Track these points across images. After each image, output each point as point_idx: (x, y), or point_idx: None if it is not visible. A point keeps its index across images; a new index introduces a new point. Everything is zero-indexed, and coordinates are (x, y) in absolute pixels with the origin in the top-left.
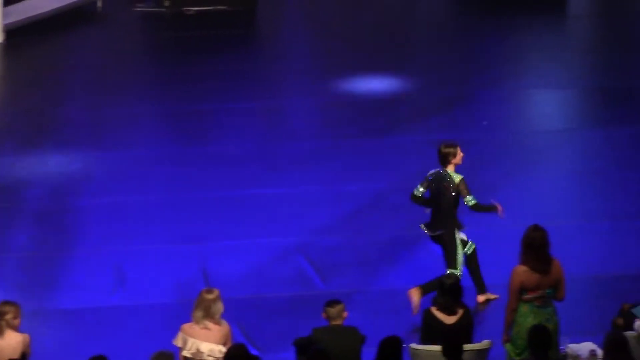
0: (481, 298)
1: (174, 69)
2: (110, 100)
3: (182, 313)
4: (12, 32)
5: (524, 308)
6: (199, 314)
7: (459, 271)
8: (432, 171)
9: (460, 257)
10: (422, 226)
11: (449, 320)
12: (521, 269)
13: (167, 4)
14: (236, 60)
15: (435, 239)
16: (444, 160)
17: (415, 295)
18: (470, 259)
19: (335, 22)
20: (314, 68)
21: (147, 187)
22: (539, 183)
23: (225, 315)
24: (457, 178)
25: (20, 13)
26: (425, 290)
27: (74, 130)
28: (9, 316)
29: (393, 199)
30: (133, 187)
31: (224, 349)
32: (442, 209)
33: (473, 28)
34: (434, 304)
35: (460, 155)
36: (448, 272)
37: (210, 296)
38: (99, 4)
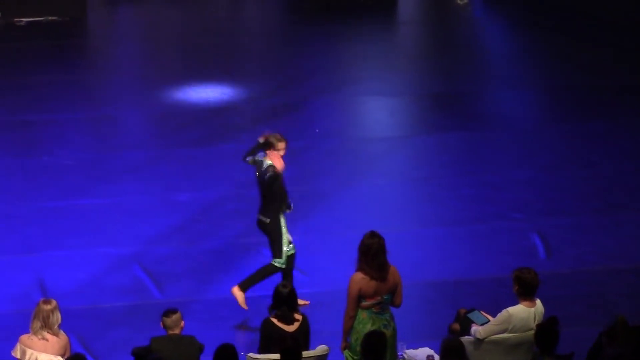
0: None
1: (4, 79)
2: None
3: (19, 324)
4: None
5: (363, 315)
6: (36, 324)
7: (282, 260)
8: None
9: (285, 247)
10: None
11: (290, 328)
12: (359, 276)
13: None
14: (67, 70)
15: (261, 227)
16: (266, 147)
17: (237, 294)
18: (288, 261)
19: (166, 31)
20: (144, 77)
21: None
22: (372, 190)
23: (63, 326)
24: (268, 162)
25: None
26: (245, 287)
27: None
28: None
29: (224, 207)
30: None
31: None
32: (265, 195)
33: (303, 36)
34: (272, 314)
35: (282, 147)
36: (273, 262)
37: (48, 307)
38: None
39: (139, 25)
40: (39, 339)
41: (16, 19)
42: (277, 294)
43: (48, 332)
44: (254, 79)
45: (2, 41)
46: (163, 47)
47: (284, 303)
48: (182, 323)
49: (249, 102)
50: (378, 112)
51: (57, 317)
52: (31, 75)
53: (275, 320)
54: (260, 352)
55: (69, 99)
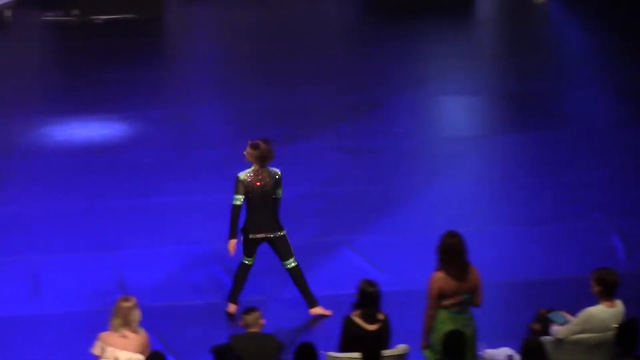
0: (315, 311)
1: (82, 77)
2: (18, 108)
3: (99, 321)
4: None
5: (443, 314)
6: (116, 322)
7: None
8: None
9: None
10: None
11: (371, 327)
12: (439, 275)
13: (75, 12)
14: (144, 68)
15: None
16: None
17: (232, 308)
18: (296, 274)
19: (242, 29)
20: (221, 76)
21: (56, 195)
22: (451, 190)
23: (143, 323)
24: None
25: None
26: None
27: None
28: None
29: (303, 205)
30: (41, 196)
31: (142, 358)
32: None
33: (381, 35)
34: (355, 312)
35: (248, 153)
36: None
37: (127, 304)
38: (8, 13)
39: (215, 23)
40: (119, 337)
41: (94, 17)
42: (363, 293)
43: (128, 330)
44: (332, 77)
45: (80, 39)
46: (239, 46)
47: (370, 302)
48: (262, 321)
49: (326, 101)
50: (457, 111)
51: (136, 315)
52: (108, 72)
53: (357, 319)
54: (340, 351)
55: (146, 97)
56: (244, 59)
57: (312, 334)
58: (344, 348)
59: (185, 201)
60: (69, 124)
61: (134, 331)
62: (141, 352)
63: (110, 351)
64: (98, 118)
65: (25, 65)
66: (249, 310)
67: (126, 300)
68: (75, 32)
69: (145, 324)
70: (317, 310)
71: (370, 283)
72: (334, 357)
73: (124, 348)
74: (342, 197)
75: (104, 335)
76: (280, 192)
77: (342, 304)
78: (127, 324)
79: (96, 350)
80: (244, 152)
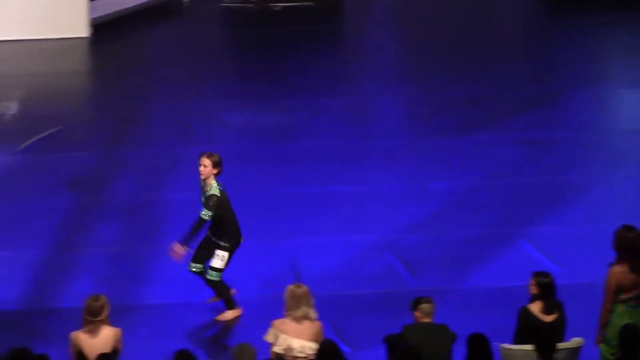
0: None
1: (259, 64)
2: (195, 95)
3: (273, 309)
4: (99, 26)
5: (620, 308)
6: (290, 309)
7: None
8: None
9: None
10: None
11: (548, 318)
12: (617, 269)
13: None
14: (322, 56)
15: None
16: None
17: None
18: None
19: (420, 19)
20: (399, 65)
21: (230, 182)
22: (628, 183)
23: (316, 312)
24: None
25: (106, 7)
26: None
27: (159, 124)
28: (105, 313)
29: (477, 197)
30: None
31: (314, 346)
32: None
33: (558, 28)
34: (532, 303)
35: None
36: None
37: (300, 291)
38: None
39: (394, 11)
40: (293, 324)
41: (272, 4)
42: (540, 284)
43: (301, 318)
44: (508, 69)
45: (258, 26)
46: (417, 34)
47: (548, 293)
48: (434, 311)
49: (502, 93)
50: (635, 105)
51: (309, 303)
52: (286, 60)
53: (534, 310)
54: (514, 343)
55: (324, 86)
56: (420, 47)
57: (485, 325)
58: (518, 340)
59: (360, 190)
60: (245, 111)
61: (308, 319)
62: (314, 340)
63: (284, 339)
64: (274, 106)
65: (202, 52)
66: (422, 299)
67: (299, 287)
68: (253, 19)
69: (319, 312)
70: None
71: (545, 274)
72: (507, 349)
73: (298, 336)
74: (517, 189)
75: (278, 322)
76: None
77: (516, 296)
78: (300, 311)
79: (269, 337)
80: (206, 166)
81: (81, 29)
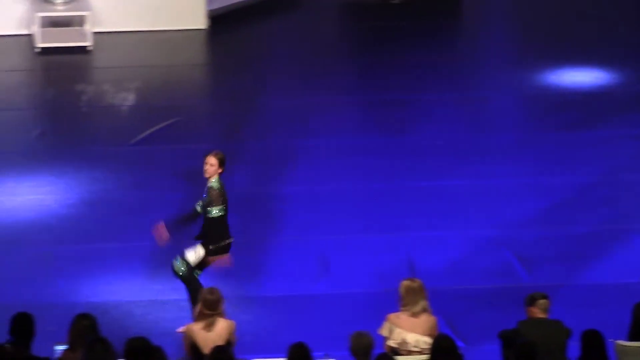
0: None
1: (376, 58)
2: (312, 89)
3: (388, 303)
4: (216, 18)
5: None
6: (406, 304)
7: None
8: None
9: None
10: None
11: None
12: None
13: None
14: (441, 50)
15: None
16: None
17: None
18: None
19: (541, 13)
20: (517, 59)
21: (346, 176)
22: None
23: (431, 306)
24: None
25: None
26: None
27: (275, 117)
28: (221, 305)
29: (594, 192)
30: (332, 176)
31: (429, 341)
32: None
33: None
34: None
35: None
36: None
37: (416, 285)
38: None
39: (517, 6)
40: (408, 318)
41: None
42: None
43: (417, 312)
44: (629, 65)
45: (377, 20)
46: (537, 28)
47: None
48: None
49: (622, 88)
50: None
51: (424, 297)
52: (405, 54)
53: None
54: (630, 339)
55: (441, 79)
56: (540, 41)
57: (600, 321)
58: (633, 336)
59: (477, 185)
60: (361, 105)
61: (423, 314)
62: (429, 335)
63: (398, 333)
64: (392, 100)
65: (319, 46)
66: (538, 295)
67: (413, 281)
68: (371, 12)
69: (433, 307)
70: None
71: None
72: (622, 345)
73: (412, 330)
74: (635, 184)
75: (393, 316)
76: None
77: (632, 293)
78: (419, 306)
79: (384, 331)
80: (212, 165)
81: (199, 21)
